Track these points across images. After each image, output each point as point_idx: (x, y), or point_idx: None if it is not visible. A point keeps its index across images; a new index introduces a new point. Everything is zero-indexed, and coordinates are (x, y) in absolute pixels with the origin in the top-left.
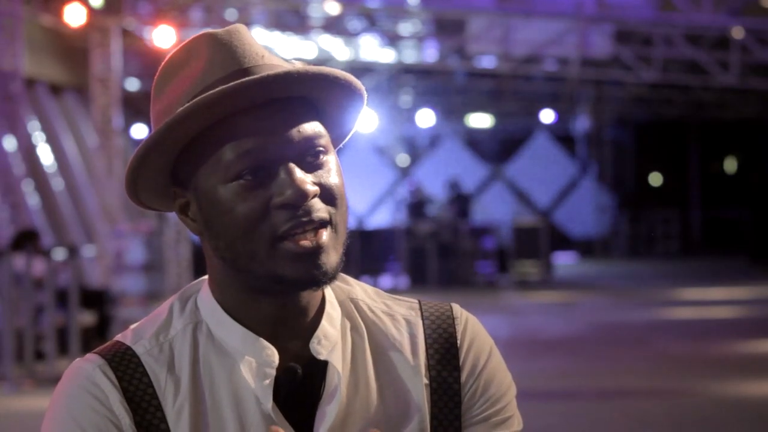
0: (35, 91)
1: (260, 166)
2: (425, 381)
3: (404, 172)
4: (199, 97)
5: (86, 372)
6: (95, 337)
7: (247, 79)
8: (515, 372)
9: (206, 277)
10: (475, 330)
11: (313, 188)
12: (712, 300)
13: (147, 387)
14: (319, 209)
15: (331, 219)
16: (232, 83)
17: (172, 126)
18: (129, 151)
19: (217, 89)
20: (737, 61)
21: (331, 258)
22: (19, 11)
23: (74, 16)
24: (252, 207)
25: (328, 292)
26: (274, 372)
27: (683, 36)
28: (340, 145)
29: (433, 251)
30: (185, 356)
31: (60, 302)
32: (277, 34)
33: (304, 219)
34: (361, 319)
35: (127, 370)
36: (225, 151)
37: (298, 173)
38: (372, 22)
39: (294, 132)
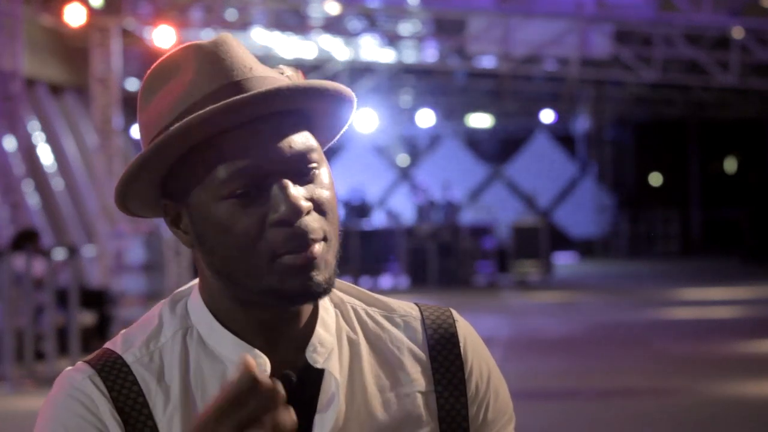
0: (35, 91)
1: (253, 184)
2: (430, 386)
3: (404, 172)
4: (188, 117)
5: (76, 381)
6: (95, 337)
7: (236, 98)
8: (515, 372)
9: (196, 281)
10: (472, 334)
11: (306, 204)
12: (712, 300)
13: (137, 396)
14: (314, 229)
15: (324, 235)
16: (221, 103)
17: (161, 146)
18: (129, 151)
19: (207, 109)
20: (737, 61)
21: (325, 271)
22: (19, 11)
23: (74, 16)
24: (248, 225)
25: None
26: None
27: (683, 36)
28: (329, 144)
29: (433, 251)
30: (175, 364)
31: (60, 302)
32: (277, 34)
33: (301, 241)
34: (357, 323)
35: (117, 380)
36: (217, 170)
37: (292, 189)
38: (372, 22)
39: (286, 147)
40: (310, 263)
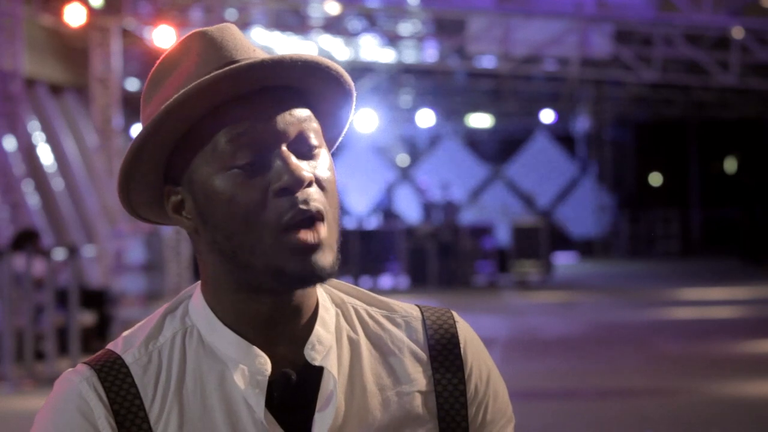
0: (35, 91)
1: (256, 155)
2: (430, 386)
3: (404, 172)
4: (193, 83)
5: (74, 385)
6: (95, 337)
7: (241, 63)
8: (515, 372)
9: (200, 282)
10: (472, 336)
11: (308, 175)
12: (711, 300)
13: (134, 398)
14: (316, 199)
15: (326, 212)
16: (218, 71)
17: (160, 121)
18: None
19: (211, 74)
20: (737, 61)
21: (329, 255)
22: (19, 11)
23: (74, 16)
24: (251, 195)
25: (322, 296)
26: (266, 380)
27: (683, 36)
28: (333, 149)
29: (433, 251)
30: (174, 365)
31: (60, 302)
32: (277, 34)
33: (303, 207)
34: (358, 322)
35: (116, 381)
36: (219, 140)
37: (294, 159)
38: (372, 22)
39: (288, 119)
40: (317, 245)
